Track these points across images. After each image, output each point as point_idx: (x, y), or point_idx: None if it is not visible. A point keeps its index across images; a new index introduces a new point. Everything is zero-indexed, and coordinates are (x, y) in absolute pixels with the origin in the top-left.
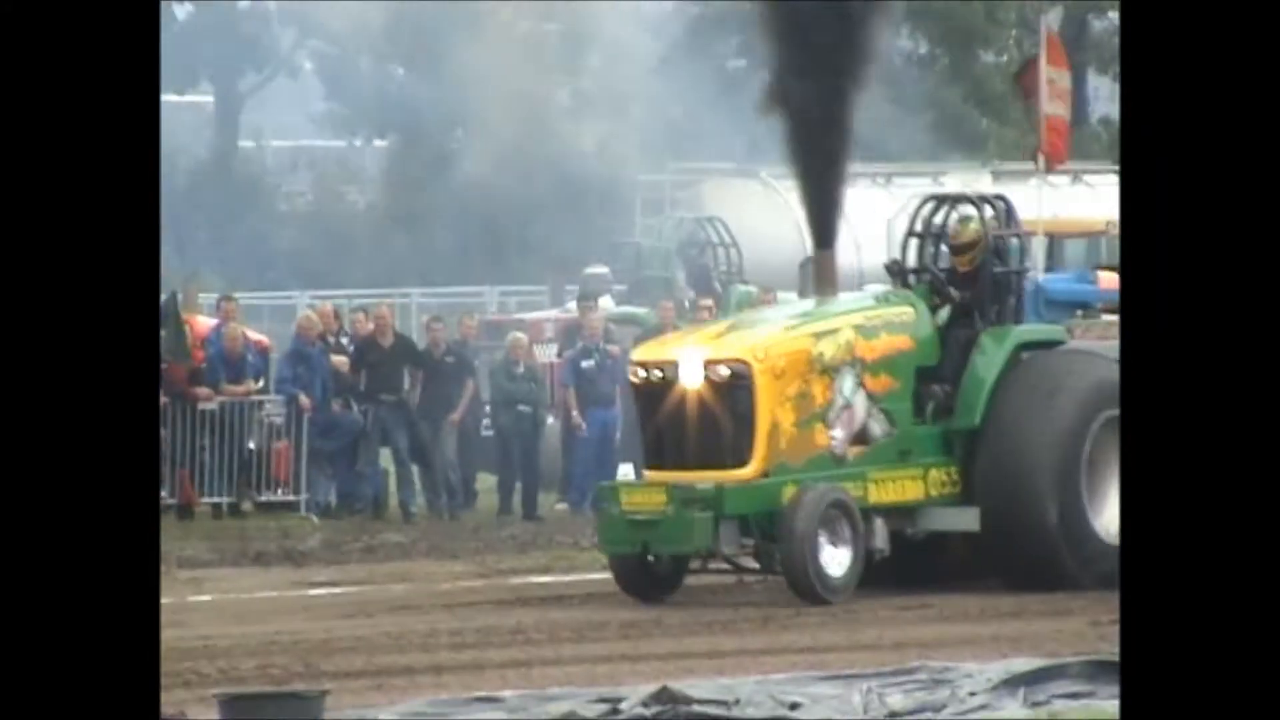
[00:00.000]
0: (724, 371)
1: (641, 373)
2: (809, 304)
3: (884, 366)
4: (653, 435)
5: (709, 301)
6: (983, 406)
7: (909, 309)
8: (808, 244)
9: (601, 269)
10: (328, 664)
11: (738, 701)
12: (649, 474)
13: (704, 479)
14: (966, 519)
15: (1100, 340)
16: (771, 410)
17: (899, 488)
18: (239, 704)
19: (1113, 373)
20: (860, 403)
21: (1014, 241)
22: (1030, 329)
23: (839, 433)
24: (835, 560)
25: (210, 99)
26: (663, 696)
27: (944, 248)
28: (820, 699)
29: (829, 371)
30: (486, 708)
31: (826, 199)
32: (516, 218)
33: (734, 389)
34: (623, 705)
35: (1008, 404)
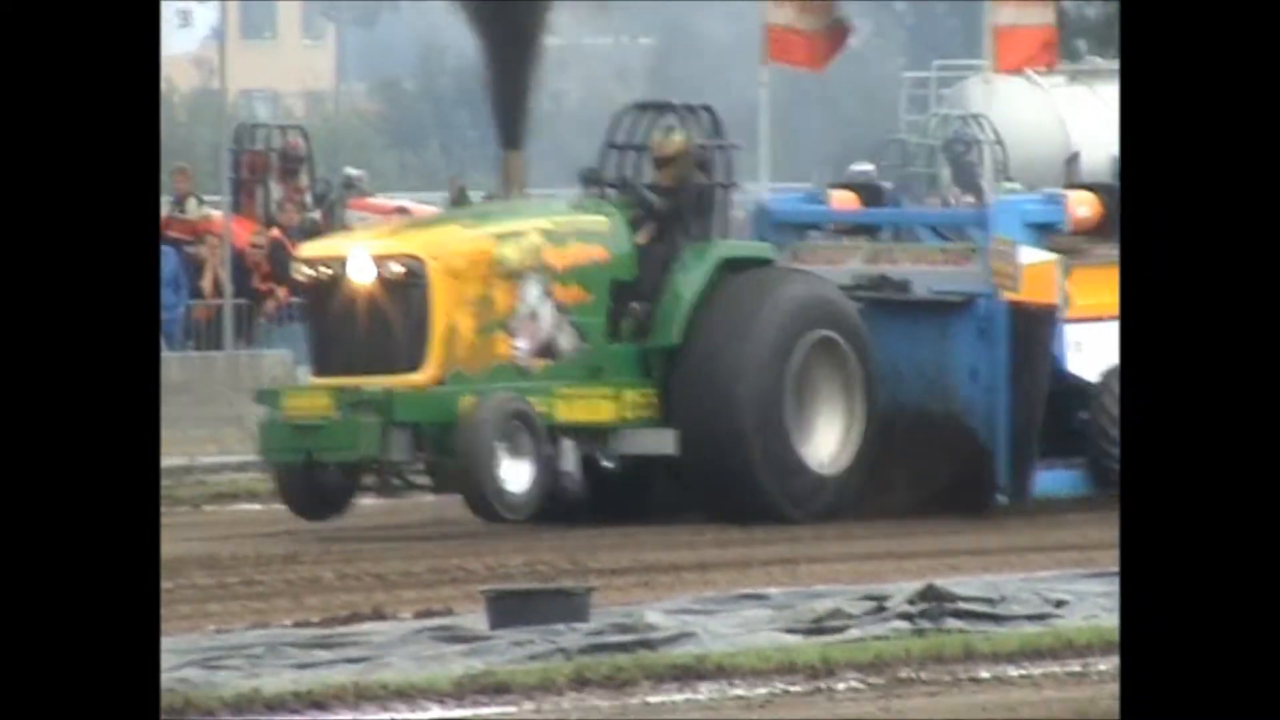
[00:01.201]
0: (396, 268)
1: (308, 270)
2: (493, 205)
3: (575, 277)
4: (319, 338)
5: (970, 198)
6: (681, 324)
7: (603, 219)
8: (1071, 141)
9: (867, 166)
10: (594, 561)
11: (1003, 599)
12: (314, 380)
13: (374, 384)
14: (662, 441)
15: (828, 266)
16: (448, 313)
17: (590, 407)
18: (506, 600)
19: (822, 291)
20: (547, 313)
21: (719, 154)
22: (734, 244)
23: (523, 343)
24: (515, 475)
25: None
26: (928, 594)
27: (647, 159)
28: (1085, 596)
29: (513, 277)
30: (752, 604)
31: (507, 98)
32: (780, 114)
33: (407, 287)
34: (888, 603)
35: (707, 323)
